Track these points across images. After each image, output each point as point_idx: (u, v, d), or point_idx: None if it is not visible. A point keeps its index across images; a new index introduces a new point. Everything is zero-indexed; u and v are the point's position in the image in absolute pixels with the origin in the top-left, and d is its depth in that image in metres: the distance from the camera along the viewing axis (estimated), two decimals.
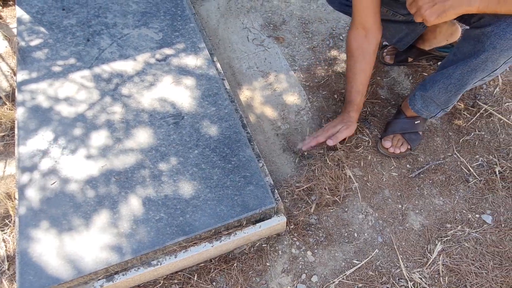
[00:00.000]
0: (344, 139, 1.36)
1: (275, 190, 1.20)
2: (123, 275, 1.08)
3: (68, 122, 1.32)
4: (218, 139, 1.27)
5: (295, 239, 1.23)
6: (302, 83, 1.62)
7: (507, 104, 1.48)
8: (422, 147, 1.41)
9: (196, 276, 1.17)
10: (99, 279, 1.07)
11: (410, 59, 1.61)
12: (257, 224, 1.15)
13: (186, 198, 1.15)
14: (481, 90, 1.53)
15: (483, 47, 1.00)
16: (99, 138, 1.28)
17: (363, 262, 1.19)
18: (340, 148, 1.36)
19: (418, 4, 0.91)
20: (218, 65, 1.51)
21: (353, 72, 1.28)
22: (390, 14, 1.34)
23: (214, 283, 1.17)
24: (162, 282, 1.17)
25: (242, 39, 1.81)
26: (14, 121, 1.43)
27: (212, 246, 1.12)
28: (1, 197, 1.30)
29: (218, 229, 1.12)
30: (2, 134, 1.49)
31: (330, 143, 1.26)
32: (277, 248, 1.22)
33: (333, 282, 1.15)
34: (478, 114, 1.46)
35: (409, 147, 1.36)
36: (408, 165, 1.38)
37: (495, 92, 1.52)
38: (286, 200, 1.30)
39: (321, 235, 1.24)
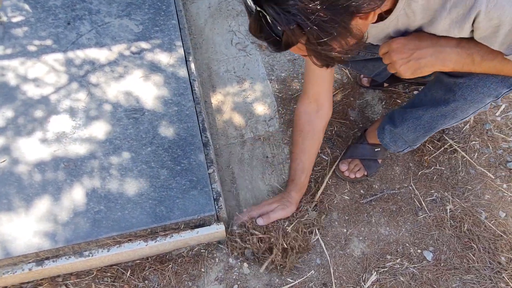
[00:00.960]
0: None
1: (220, 198, 1.21)
2: (53, 261, 1.09)
3: (31, 103, 1.33)
4: (173, 140, 1.27)
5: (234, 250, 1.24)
6: (275, 94, 1.62)
7: (474, 142, 1.47)
8: (380, 174, 1.40)
9: (129, 272, 1.18)
10: (29, 262, 1.09)
11: (386, 84, 1.60)
12: (195, 230, 1.16)
13: (128, 194, 1.16)
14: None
15: (454, 96, 0.99)
16: (58, 123, 1.29)
17: (296, 282, 1.19)
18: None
19: (392, 58, 0.88)
20: (192, 66, 1.52)
21: (300, 149, 1.24)
22: (369, 55, 1.33)
23: (146, 282, 1.18)
24: (95, 273, 1.18)
25: (226, 41, 1.81)
26: None
27: (146, 245, 1.13)
28: None
29: (154, 229, 1.13)
30: None
31: (260, 222, 1.18)
32: (215, 255, 1.23)
33: None
34: (442, 149, 1.45)
35: (365, 173, 1.36)
36: (362, 191, 1.37)
37: (464, 128, 1.51)
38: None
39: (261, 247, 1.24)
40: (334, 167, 1.39)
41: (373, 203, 1.34)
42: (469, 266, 1.21)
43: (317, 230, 1.27)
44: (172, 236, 1.14)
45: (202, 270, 1.20)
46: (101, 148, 1.25)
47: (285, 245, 1.16)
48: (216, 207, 1.18)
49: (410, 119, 1.15)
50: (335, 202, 1.34)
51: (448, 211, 1.31)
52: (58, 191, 1.16)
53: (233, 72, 1.70)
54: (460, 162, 1.43)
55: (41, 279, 1.15)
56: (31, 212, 1.12)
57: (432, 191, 1.36)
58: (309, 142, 1.23)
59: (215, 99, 1.61)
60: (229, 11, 1.93)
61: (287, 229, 1.19)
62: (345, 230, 1.29)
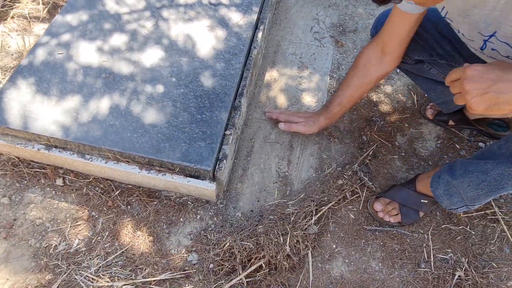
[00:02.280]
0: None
1: (225, 160, 1.19)
2: (59, 152, 1.18)
3: (105, 15, 1.44)
4: (207, 91, 1.28)
5: (217, 215, 1.22)
6: (329, 91, 1.55)
7: None
8: None
9: (118, 192, 1.23)
10: (40, 143, 1.19)
11: (451, 123, 1.43)
12: (187, 178, 1.16)
13: (144, 121, 1.20)
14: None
15: None
16: (118, 39, 1.38)
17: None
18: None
19: (464, 86, 0.69)
20: (260, 34, 1.51)
21: (347, 84, 1.22)
22: (441, 76, 1.20)
23: (129, 207, 1.22)
24: (91, 179, 1.25)
25: (306, 27, 1.76)
26: None
27: (139, 173, 1.16)
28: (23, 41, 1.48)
29: (152, 161, 1.15)
30: (64, 3, 1.68)
31: (282, 126, 1.32)
32: (198, 212, 1.22)
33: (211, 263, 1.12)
34: (483, 212, 1.27)
35: (400, 221, 1.21)
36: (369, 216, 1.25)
37: None
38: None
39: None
40: (368, 202, 1.26)
41: (377, 233, 1.22)
42: None
43: (310, 248, 1.17)
44: (165, 174, 1.16)
45: (181, 220, 1.21)
46: (142, 73, 1.30)
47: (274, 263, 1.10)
48: (216, 166, 1.17)
49: (475, 172, 0.96)
50: (337, 215, 1.25)
51: (456, 277, 1.14)
52: (89, 95, 1.24)
53: (299, 56, 1.66)
54: (497, 235, 1.23)
55: (46, 164, 1.25)
56: (59, 103, 1.21)
57: (448, 250, 1.20)
58: (358, 82, 1.19)
59: (270, 74, 1.58)
60: (323, 0, 1.88)
61: (284, 247, 1.12)
62: (334, 246, 1.19)
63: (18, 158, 1.26)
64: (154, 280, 1.09)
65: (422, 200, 1.19)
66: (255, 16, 1.51)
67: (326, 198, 1.26)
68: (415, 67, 1.21)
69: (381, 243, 1.20)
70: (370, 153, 1.38)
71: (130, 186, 1.25)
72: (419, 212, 1.21)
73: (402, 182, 1.27)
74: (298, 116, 1.33)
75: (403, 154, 1.40)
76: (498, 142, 0.97)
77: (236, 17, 1.49)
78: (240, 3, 1.54)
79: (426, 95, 1.49)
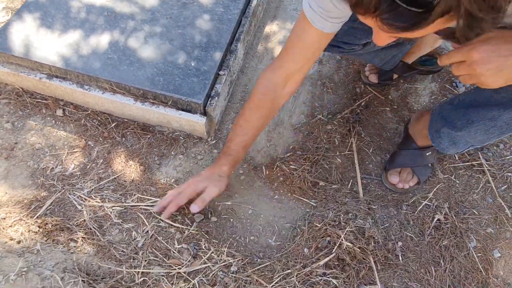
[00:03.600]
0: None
1: (217, 98, 1.23)
2: (60, 81, 1.24)
3: None
4: (204, 33, 1.32)
5: (207, 151, 1.27)
6: None
7: (509, 174, 1.26)
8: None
9: (114, 124, 1.29)
10: (42, 73, 1.24)
11: (395, 76, 1.42)
12: (179, 111, 1.20)
13: (141, 56, 1.24)
14: (495, 147, 1.32)
15: None
16: None
17: None
18: None
19: (475, 70, 0.69)
20: None
21: (252, 126, 1.07)
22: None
23: (123, 139, 1.27)
24: (89, 112, 1.31)
25: None
26: None
27: (134, 104, 1.21)
28: None
29: (146, 93, 1.20)
30: None
31: (195, 209, 1.03)
32: (187, 147, 1.27)
33: None
34: (469, 163, 1.28)
35: (418, 181, 1.22)
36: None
37: (509, 158, 1.30)
38: None
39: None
40: (382, 178, 1.26)
41: (364, 181, 1.25)
42: (422, 277, 1.07)
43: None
44: (158, 107, 1.21)
45: (172, 153, 1.26)
46: (142, 13, 1.34)
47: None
48: (208, 102, 1.21)
49: (481, 121, 0.94)
50: (326, 161, 1.28)
51: (435, 220, 1.16)
52: (91, 30, 1.29)
53: (299, 12, 1.67)
54: (481, 185, 1.25)
55: (48, 96, 1.32)
56: (62, 36, 1.26)
57: (431, 196, 1.22)
58: (264, 120, 1.08)
59: (270, 27, 1.61)
60: None
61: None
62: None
63: (22, 88, 1.32)
64: (142, 205, 1.14)
65: (427, 154, 1.20)
66: None
67: (312, 143, 1.29)
68: (362, 50, 1.16)
69: (366, 189, 1.23)
70: (363, 103, 1.40)
71: (125, 120, 1.30)
72: (429, 165, 1.22)
73: (399, 146, 1.27)
74: (195, 183, 1.07)
75: (395, 107, 1.41)
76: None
77: None
78: None
79: (366, 63, 1.46)
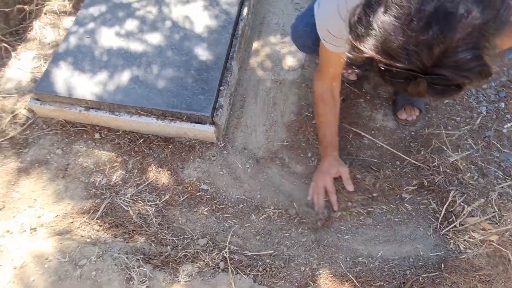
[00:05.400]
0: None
1: (221, 109, 1.54)
2: (95, 111, 1.55)
3: (119, 5, 1.79)
4: (204, 57, 1.62)
5: (218, 153, 1.58)
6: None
7: (466, 142, 1.55)
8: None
9: (141, 140, 1.60)
10: (80, 106, 1.56)
11: (367, 68, 1.72)
12: (192, 123, 1.52)
13: (156, 84, 1.55)
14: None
15: None
16: (130, 23, 1.73)
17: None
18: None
19: None
20: (245, 10, 1.83)
21: (329, 119, 1.38)
22: None
23: (150, 151, 1.59)
24: (120, 132, 1.62)
25: (288, 0, 2.07)
26: None
27: (156, 122, 1.52)
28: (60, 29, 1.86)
29: (165, 112, 1.51)
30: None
31: (351, 188, 1.37)
32: (202, 151, 1.58)
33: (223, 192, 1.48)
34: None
35: (420, 110, 1.59)
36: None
37: (465, 128, 1.59)
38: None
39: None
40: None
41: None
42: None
43: None
44: (176, 122, 1.52)
45: (191, 158, 1.57)
46: (151, 48, 1.65)
47: None
48: (214, 113, 1.52)
49: None
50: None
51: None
52: (114, 67, 1.60)
53: (281, 26, 1.97)
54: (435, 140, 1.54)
55: (86, 124, 1.63)
56: (92, 75, 1.58)
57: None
58: (335, 110, 1.39)
59: (257, 42, 1.91)
60: None
61: None
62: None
63: (65, 120, 1.64)
64: (174, 201, 1.46)
65: None
66: None
67: (302, 136, 1.60)
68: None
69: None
70: (341, 97, 1.70)
71: (150, 135, 1.61)
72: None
73: (393, 93, 1.65)
74: (327, 172, 1.38)
75: (368, 97, 1.71)
76: None
77: None
78: None
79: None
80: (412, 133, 1.61)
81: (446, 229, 1.33)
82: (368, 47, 0.67)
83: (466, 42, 0.60)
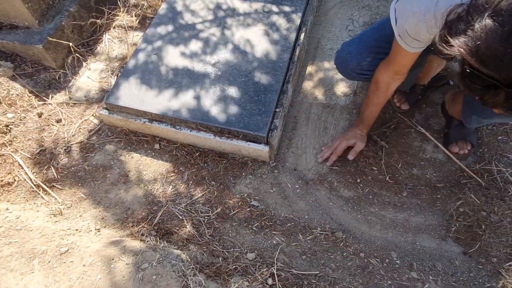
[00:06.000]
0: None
1: (276, 130, 1.61)
2: (158, 123, 1.66)
3: (185, 27, 1.91)
4: (262, 79, 1.71)
5: (269, 171, 1.64)
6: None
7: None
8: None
9: (198, 154, 1.70)
10: (145, 118, 1.68)
11: (419, 97, 1.77)
12: (248, 142, 1.59)
13: (217, 103, 1.65)
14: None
15: None
16: (195, 45, 1.85)
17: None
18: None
19: None
20: (302, 35, 1.90)
21: (376, 102, 1.47)
22: None
23: (205, 164, 1.68)
24: (178, 144, 1.73)
25: (342, 26, 2.13)
26: (157, 10, 2.10)
27: (214, 138, 1.61)
28: (128, 51, 2.00)
29: (223, 129, 1.60)
30: (151, 16, 2.19)
31: (351, 157, 1.59)
32: (254, 168, 1.65)
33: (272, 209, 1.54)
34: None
35: (472, 144, 1.61)
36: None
37: None
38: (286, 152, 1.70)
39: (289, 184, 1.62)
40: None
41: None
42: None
43: None
44: (232, 139, 1.60)
45: (243, 174, 1.64)
46: (213, 69, 1.76)
47: None
48: (269, 134, 1.59)
49: (500, 117, 1.33)
50: (365, 172, 1.62)
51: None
52: (179, 86, 1.71)
53: (335, 51, 2.03)
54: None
55: (148, 134, 1.75)
56: (156, 90, 1.70)
57: None
58: (384, 98, 1.44)
59: (311, 66, 1.98)
60: (357, 3, 2.23)
61: None
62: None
63: (129, 129, 1.76)
64: (225, 214, 1.53)
65: (466, 124, 1.54)
66: (299, 21, 1.91)
67: (352, 161, 1.64)
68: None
69: None
70: (392, 126, 1.73)
71: (206, 149, 1.71)
72: (473, 129, 1.61)
73: (446, 126, 1.68)
74: (346, 139, 1.59)
75: (418, 128, 1.73)
76: None
77: (283, 22, 1.90)
78: (288, 10, 1.95)
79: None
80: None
81: None
82: (460, 45, 0.66)
83: None
